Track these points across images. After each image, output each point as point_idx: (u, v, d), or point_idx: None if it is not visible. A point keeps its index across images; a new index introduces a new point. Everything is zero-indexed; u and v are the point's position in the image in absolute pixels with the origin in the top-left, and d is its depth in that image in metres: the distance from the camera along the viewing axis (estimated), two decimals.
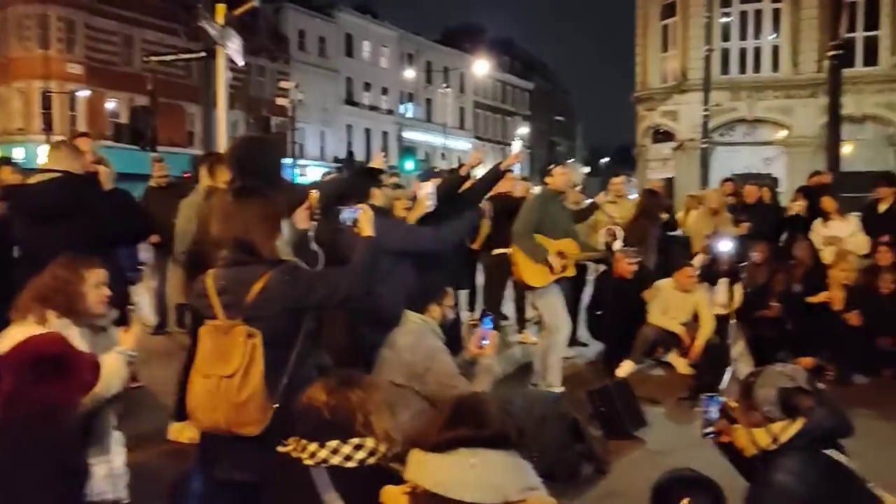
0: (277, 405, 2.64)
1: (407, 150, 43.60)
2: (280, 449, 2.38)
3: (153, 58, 13.01)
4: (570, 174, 6.72)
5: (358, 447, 2.30)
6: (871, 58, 21.15)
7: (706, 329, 6.95)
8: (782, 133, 22.35)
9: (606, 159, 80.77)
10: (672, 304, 7.05)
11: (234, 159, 3.93)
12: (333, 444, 2.30)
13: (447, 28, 62.32)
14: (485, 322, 4.11)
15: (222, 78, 8.61)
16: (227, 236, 2.82)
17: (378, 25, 49.19)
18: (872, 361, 6.92)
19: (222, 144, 8.26)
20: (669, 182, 19.75)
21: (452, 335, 4.34)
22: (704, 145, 18.35)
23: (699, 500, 2.93)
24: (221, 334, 2.67)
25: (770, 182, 13.53)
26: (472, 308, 8.76)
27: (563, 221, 6.41)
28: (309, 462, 2.30)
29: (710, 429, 2.93)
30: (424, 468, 1.90)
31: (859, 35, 20.82)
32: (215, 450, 2.82)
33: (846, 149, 17.72)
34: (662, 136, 24.12)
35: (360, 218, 3.31)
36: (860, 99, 20.53)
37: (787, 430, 2.53)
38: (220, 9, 8.35)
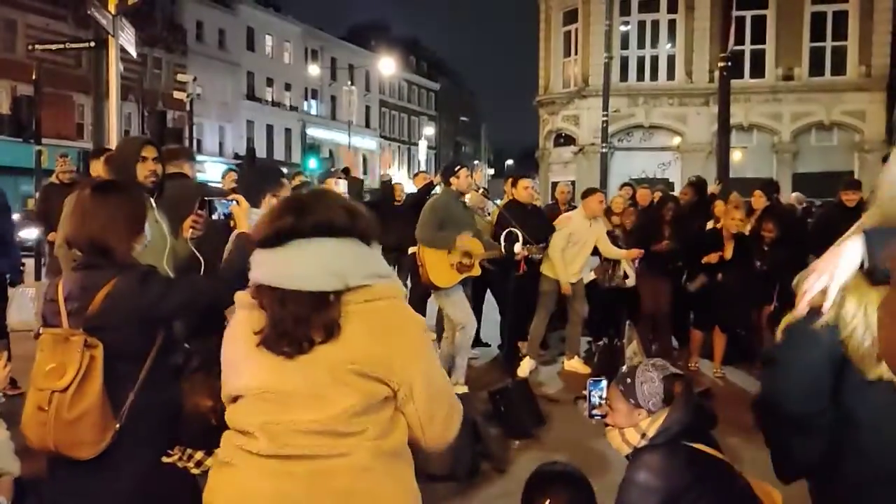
0: (119, 426, 2.37)
1: (311, 147, 43.02)
2: (165, 458, 2.27)
3: (39, 46, 12.32)
4: (474, 176, 6.75)
5: None
6: (758, 70, 22.31)
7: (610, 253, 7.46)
8: (677, 139, 23.28)
9: (511, 161, 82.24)
10: (578, 233, 7.22)
11: (111, 161, 3.77)
12: None
13: (353, 25, 61.94)
14: None
15: (114, 68, 8.24)
16: (80, 237, 2.55)
17: (281, 19, 48.24)
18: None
19: (114, 138, 7.97)
20: (572, 185, 20.21)
21: None
22: (604, 150, 18.87)
23: (562, 496, 2.87)
24: (60, 344, 2.40)
25: (665, 186, 14.03)
26: None
27: (466, 222, 6.43)
28: (196, 471, 2.22)
29: (596, 411, 2.98)
30: (261, 265, 1.77)
31: (747, 48, 21.94)
32: (55, 476, 2.50)
33: (735, 156, 18.66)
34: (564, 139, 24.69)
35: (235, 211, 3.08)
36: (748, 108, 21.65)
37: (652, 424, 2.58)
38: None
